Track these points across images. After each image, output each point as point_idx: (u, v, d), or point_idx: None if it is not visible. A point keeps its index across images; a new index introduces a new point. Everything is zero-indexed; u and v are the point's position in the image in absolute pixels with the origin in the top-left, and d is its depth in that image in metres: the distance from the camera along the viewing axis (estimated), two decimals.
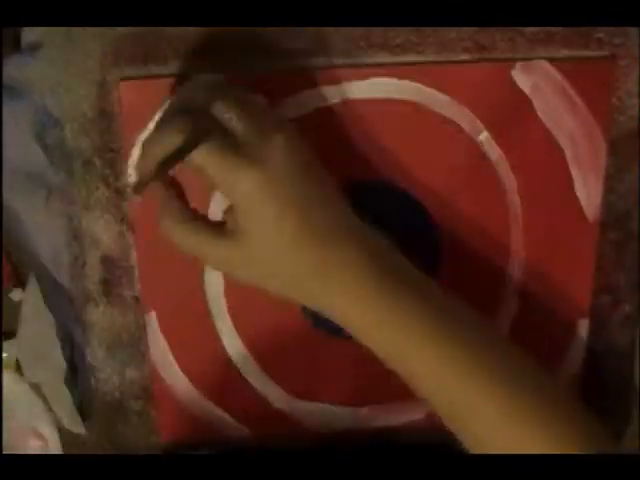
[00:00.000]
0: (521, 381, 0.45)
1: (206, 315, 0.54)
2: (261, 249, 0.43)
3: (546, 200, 0.53)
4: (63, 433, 0.59)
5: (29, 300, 0.56)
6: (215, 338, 0.55)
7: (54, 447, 0.57)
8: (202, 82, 0.46)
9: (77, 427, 0.58)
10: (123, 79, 0.49)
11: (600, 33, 0.49)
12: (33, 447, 0.57)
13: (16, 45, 0.50)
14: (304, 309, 0.54)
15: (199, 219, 0.45)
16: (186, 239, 0.44)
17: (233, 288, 0.54)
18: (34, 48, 0.49)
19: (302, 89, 0.50)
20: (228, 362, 0.56)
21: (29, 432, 0.57)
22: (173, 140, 0.42)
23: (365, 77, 0.50)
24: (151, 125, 0.48)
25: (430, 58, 0.49)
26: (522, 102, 0.50)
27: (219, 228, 0.45)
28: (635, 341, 0.57)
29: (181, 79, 0.49)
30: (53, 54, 0.49)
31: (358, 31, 0.49)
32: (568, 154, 0.51)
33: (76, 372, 0.57)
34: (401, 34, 0.49)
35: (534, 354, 0.55)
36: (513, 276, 0.54)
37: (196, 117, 0.42)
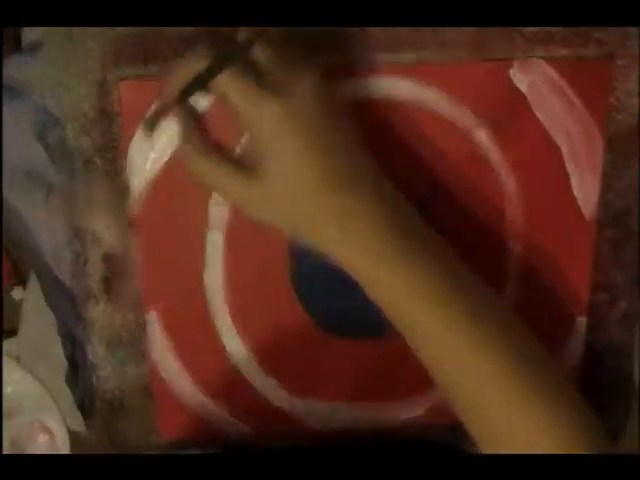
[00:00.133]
0: (527, 360, 0.44)
1: (206, 313, 0.55)
2: (279, 186, 0.42)
3: (543, 198, 0.53)
4: None
5: (30, 298, 0.56)
6: (215, 337, 0.55)
7: (62, 442, 0.57)
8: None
9: (78, 425, 0.58)
10: (123, 79, 0.49)
11: (599, 33, 0.49)
12: (42, 442, 0.57)
13: (16, 45, 0.50)
14: (304, 305, 0.54)
15: (219, 151, 0.44)
16: (205, 171, 0.44)
17: (234, 287, 0.54)
18: (34, 48, 0.49)
19: None
20: (228, 360, 0.56)
21: (37, 427, 0.57)
22: (196, 66, 0.41)
23: (364, 76, 0.50)
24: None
25: (429, 57, 0.50)
26: (519, 100, 0.51)
27: (239, 162, 0.44)
28: (633, 339, 0.58)
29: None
30: (53, 54, 0.49)
31: (357, 30, 0.49)
32: (565, 152, 0.52)
33: (77, 370, 0.58)
34: (401, 33, 0.49)
35: None
36: (510, 273, 0.55)
37: (220, 44, 0.42)
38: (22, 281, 0.56)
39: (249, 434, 0.58)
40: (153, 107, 0.47)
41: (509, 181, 0.52)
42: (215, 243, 0.53)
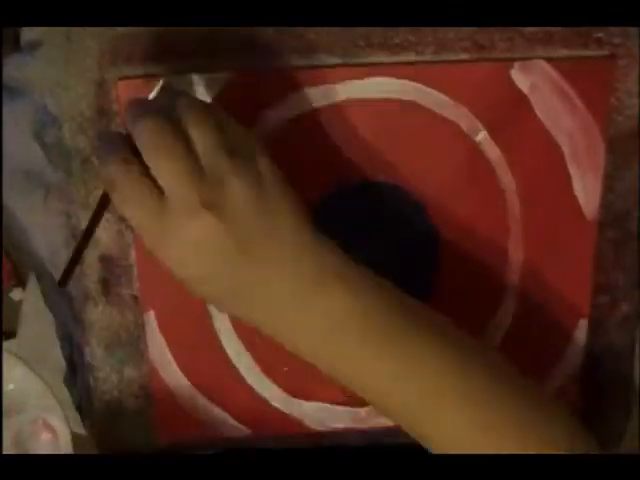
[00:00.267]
0: (500, 389, 0.45)
1: (205, 314, 0.54)
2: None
3: (544, 199, 0.53)
4: None
5: (29, 299, 0.56)
6: (214, 337, 0.55)
7: (64, 440, 0.57)
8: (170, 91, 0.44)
9: (76, 426, 0.58)
10: (121, 78, 0.49)
11: (599, 33, 0.49)
12: (44, 440, 0.57)
13: (16, 44, 0.50)
14: None
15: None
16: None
17: None
18: (33, 47, 0.49)
19: (301, 88, 0.50)
20: (227, 361, 0.56)
21: (40, 425, 0.57)
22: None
23: (364, 76, 0.50)
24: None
25: (429, 58, 0.49)
26: (520, 102, 0.50)
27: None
28: (634, 341, 0.57)
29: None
30: (52, 53, 0.49)
31: (357, 30, 0.49)
32: (566, 153, 0.52)
33: (75, 371, 0.58)
34: (400, 33, 0.49)
35: (533, 354, 0.56)
36: (512, 276, 0.54)
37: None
38: (21, 282, 0.56)
39: (247, 435, 0.58)
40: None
41: (510, 182, 0.52)
42: None
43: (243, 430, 0.58)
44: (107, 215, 0.52)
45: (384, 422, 0.58)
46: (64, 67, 0.49)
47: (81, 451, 0.59)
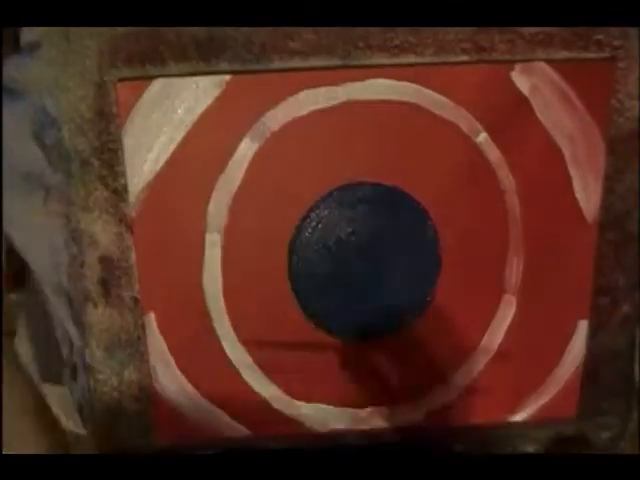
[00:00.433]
0: None
1: (205, 316, 0.54)
2: None
3: (545, 201, 0.53)
4: (62, 434, 0.59)
5: (29, 300, 0.56)
6: (214, 339, 0.55)
7: None
8: None
9: (76, 427, 0.58)
10: (121, 80, 0.49)
11: (600, 35, 0.49)
12: None
13: (15, 45, 0.50)
14: (303, 308, 0.54)
15: None
16: None
17: (232, 289, 0.54)
18: (33, 48, 0.49)
19: (301, 90, 0.50)
20: (227, 363, 0.56)
21: None
22: None
23: (364, 78, 0.50)
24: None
25: (429, 59, 0.49)
26: (521, 103, 0.50)
27: None
28: (634, 341, 0.57)
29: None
30: (52, 55, 0.49)
31: (357, 32, 0.48)
32: (567, 155, 0.51)
33: (75, 372, 0.57)
34: (400, 35, 0.49)
35: (534, 355, 0.56)
36: (512, 276, 0.54)
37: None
38: (21, 283, 0.56)
39: (247, 436, 0.58)
40: None
41: (510, 184, 0.52)
42: (213, 245, 0.53)
43: (243, 431, 0.58)
44: (107, 217, 0.52)
45: (384, 423, 0.58)
46: (63, 69, 0.49)
47: (81, 451, 0.59)
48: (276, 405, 0.57)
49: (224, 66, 0.49)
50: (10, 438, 0.58)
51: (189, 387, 0.56)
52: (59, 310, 0.56)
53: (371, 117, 0.50)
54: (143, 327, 0.55)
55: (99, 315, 0.54)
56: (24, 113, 0.50)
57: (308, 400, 0.57)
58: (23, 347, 0.57)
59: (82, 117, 0.50)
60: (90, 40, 0.48)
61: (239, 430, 0.58)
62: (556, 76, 0.50)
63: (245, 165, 0.51)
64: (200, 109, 0.49)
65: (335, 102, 0.50)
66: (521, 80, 0.50)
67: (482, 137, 0.51)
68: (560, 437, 0.59)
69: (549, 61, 0.49)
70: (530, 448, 0.60)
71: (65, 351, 0.57)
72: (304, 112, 0.50)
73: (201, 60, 0.49)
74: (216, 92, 0.49)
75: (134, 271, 0.53)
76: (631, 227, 0.54)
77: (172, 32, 0.48)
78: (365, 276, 0.54)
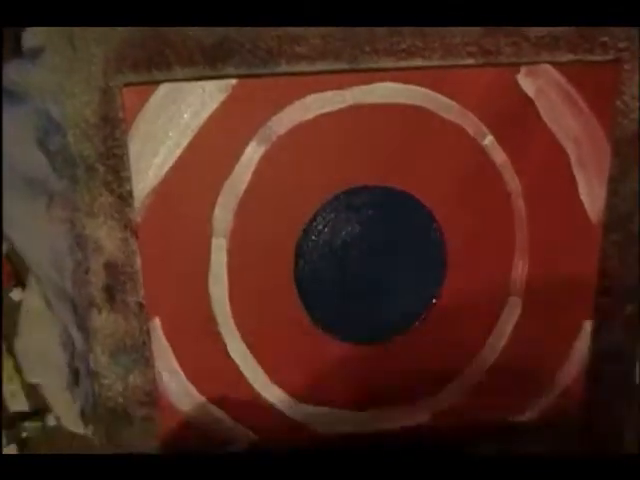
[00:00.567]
0: None
1: (210, 321, 0.54)
2: None
3: (550, 203, 0.53)
4: (64, 436, 0.59)
5: (29, 300, 0.55)
6: (219, 344, 0.55)
7: None
8: None
9: (77, 427, 0.58)
10: (126, 85, 0.49)
11: (605, 37, 0.49)
12: None
13: (16, 48, 0.49)
14: (309, 311, 0.54)
15: None
16: None
17: (238, 294, 0.54)
18: (35, 54, 0.48)
19: (308, 93, 0.49)
20: (232, 367, 0.55)
21: None
22: None
23: (370, 82, 0.49)
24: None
25: (435, 63, 0.49)
26: (527, 106, 0.50)
27: None
28: (638, 341, 0.58)
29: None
30: (55, 60, 0.48)
31: (363, 36, 0.48)
32: (572, 158, 0.52)
33: (77, 377, 0.57)
34: (406, 39, 0.49)
35: (538, 354, 0.56)
36: (518, 278, 0.55)
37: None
38: (21, 283, 0.56)
39: (253, 439, 0.58)
40: None
41: (516, 186, 0.52)
42: (219, 250, 0.52)
43: (248, 434, 0.58)
44: (112, 222, 0.52)
45: (387, 425, 0.58)
46: (68, 74, 0.48)
47: (81, 451, 0.58)
48: (281, 408, 0.57)
49: (230, 70, 0.49)
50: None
51: (194, 392, 0.56)
52: (63, 315, 0.55)
53: (377, 121, 0.50)
54: (148, 332, 0.54)
55: (103, 320, 0.54)
56: (26, 118, 0.50)
57: (314, 403, 0.57)
58: (24, 348, 0.57)
59: (87, 122, 0.49)
60: (96, 47, 0.48)
61: (244, 433, 0.58)
62: (561, 79, 0.50)
63: (251, 169, 0.50)
64: (206, 113, 0.49)
65: (342, 106, 0.50)
66: (527, 83, 0.50)
67: (488, 140, 0.51)
68: (565, 437, 0.59)
69: (554, 64, 0.50)
70: (535, 448, 0.60)
71: (67, 355, 0.57)
72: (311, 116, 0.50)
73: (207, 64, 0.48)
74: (222, 96, 0.49)
75: (139, 276, 0.53)
76: (635, 228, 0.54)
77: (178, 36, 0.48)
78: (371, 279, 0.54)
